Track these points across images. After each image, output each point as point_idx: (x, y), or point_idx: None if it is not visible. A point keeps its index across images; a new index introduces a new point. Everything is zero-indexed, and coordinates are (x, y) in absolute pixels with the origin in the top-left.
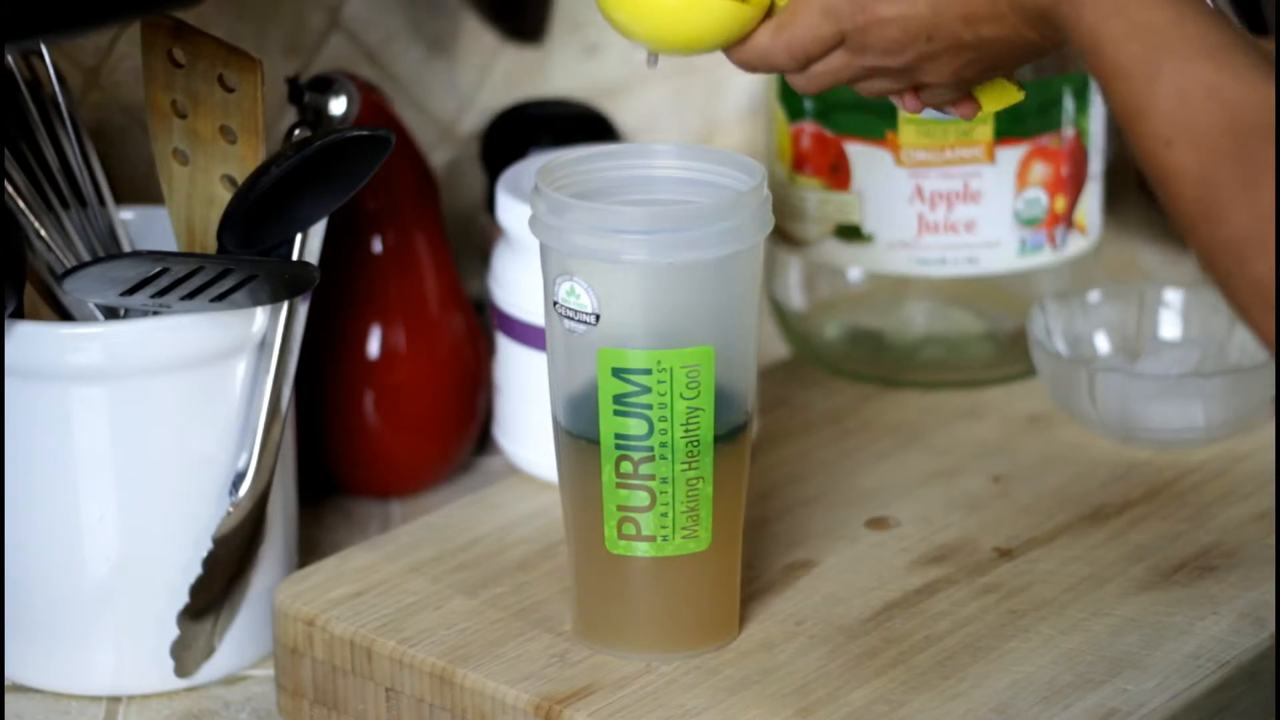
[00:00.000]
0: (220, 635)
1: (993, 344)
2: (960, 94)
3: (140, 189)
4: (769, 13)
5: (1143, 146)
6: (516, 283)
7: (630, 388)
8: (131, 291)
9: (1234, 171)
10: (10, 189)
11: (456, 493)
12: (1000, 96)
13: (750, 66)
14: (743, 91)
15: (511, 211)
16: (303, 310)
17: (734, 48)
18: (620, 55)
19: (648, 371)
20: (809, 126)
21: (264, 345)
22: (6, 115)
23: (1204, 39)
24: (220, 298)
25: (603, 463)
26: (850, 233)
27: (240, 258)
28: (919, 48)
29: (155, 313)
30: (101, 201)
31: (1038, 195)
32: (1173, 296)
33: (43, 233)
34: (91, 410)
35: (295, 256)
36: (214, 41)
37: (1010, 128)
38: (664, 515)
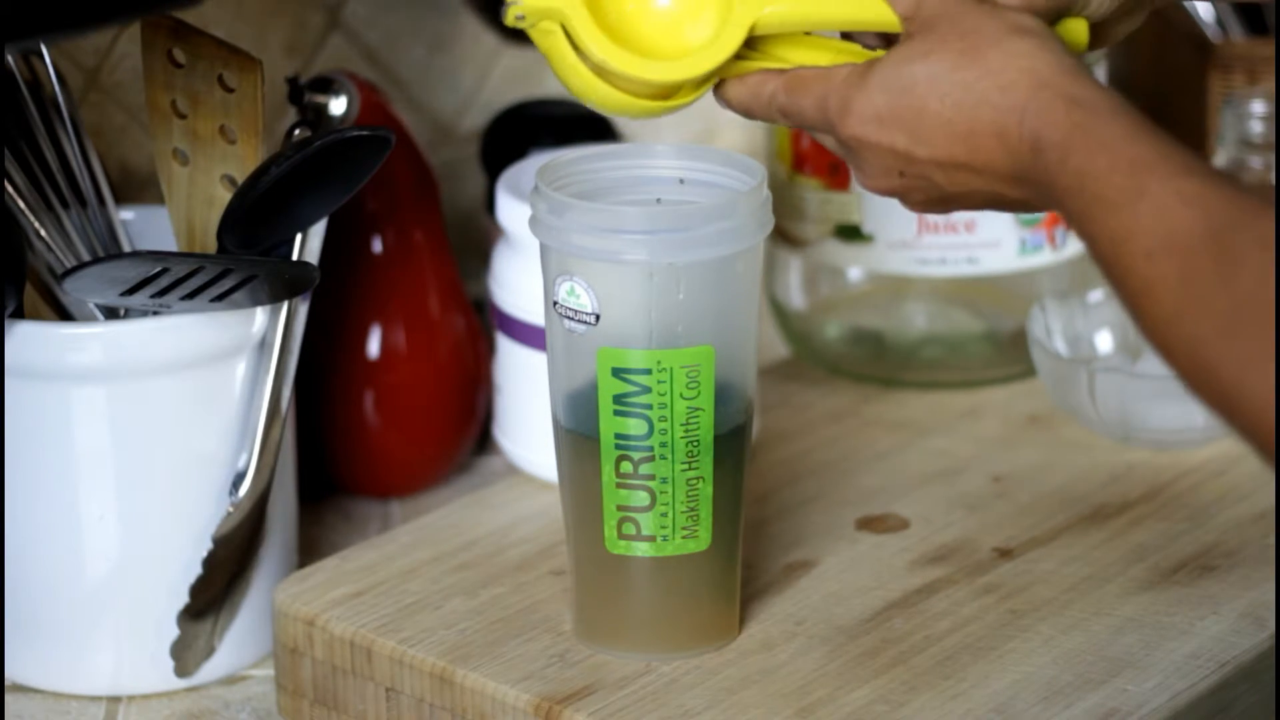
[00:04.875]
0: (220, 635)
1: (993, 344)
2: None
3: (140, 189)
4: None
5: (1121, 267)
6: (516, 283)
7: (630, 388)
8: (131, 291)
9: (1212, 266)
10: (10, 189)
11: (456, 493)
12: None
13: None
14: None
15: (511, 211)
16: (303, 310)
17: (727, 88)
18: None
19: (648, 371)
20: None
21: (264, 345)
22: (6, 115)
23: (1185, 161)
24: (220, 298)
25: (603, 462)
26: (850, 233)
27: (240, 258)
28: (892, 180)
29: (155, 313)
30: (101, 201)
31: None
32: None
33: (43, 233)
34: (91, 410)
35: (295, 256)
36: (214, 41)
37: None
38: (664, 515)
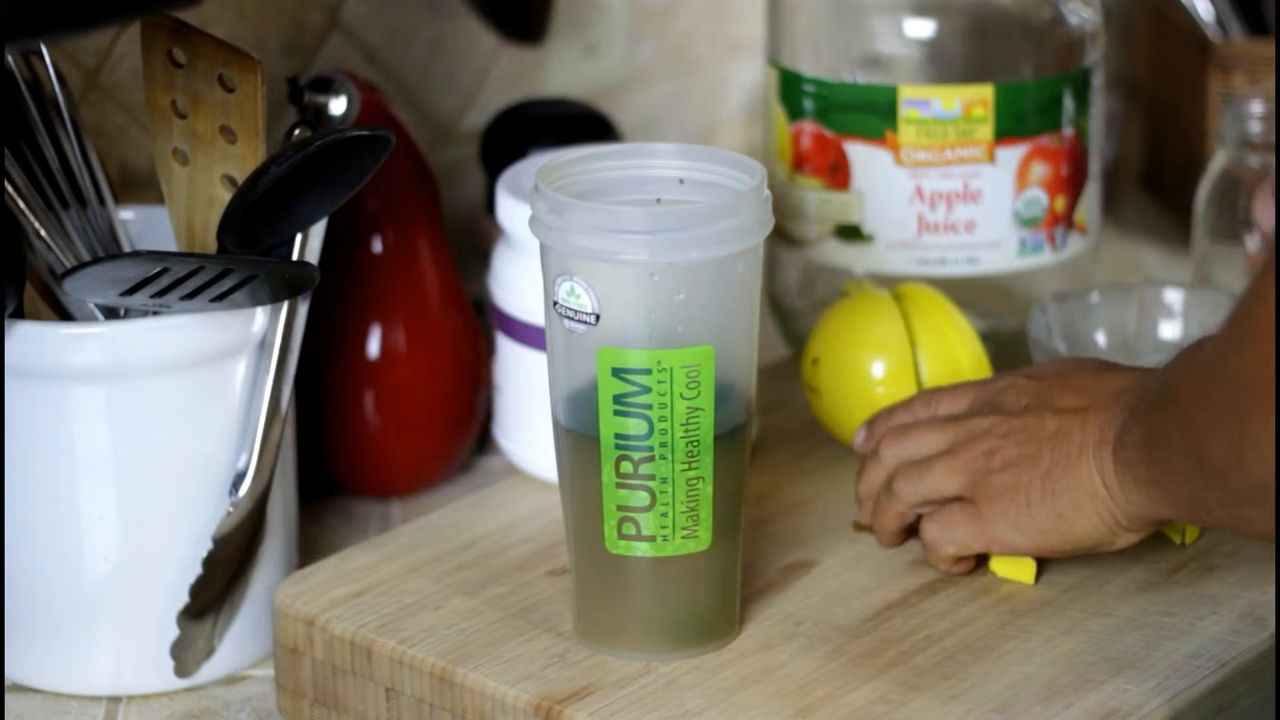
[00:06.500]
0: (220, 635)
1: (993, 344)
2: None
3: (140, 189)
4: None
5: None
6: (516, 283)
7: (630, 388)
8: (131, 291)
9: None
10: (10, 189)
11: (456, 493)
12: (1016, 568)
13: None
14: (743, 91)
15: (511, 211)
16: (303, 310)
17: None
18: (620, 55)
19: (648, 371)
20: (809, 126)
21: (264, 345)
22: (6, 115)
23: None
24: (220, 298)
25: (603, 462)
26: (850, 233)
27: (240, 258)
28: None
29: (155, 313)
30: (101, 201)
31: (1038, 195)
32: (1173, 296)
33: (43, 233)
34: (91, 410)
35: (295, 256)
36: (214, 41)
37: (1010, 128)
38: (664, 515)
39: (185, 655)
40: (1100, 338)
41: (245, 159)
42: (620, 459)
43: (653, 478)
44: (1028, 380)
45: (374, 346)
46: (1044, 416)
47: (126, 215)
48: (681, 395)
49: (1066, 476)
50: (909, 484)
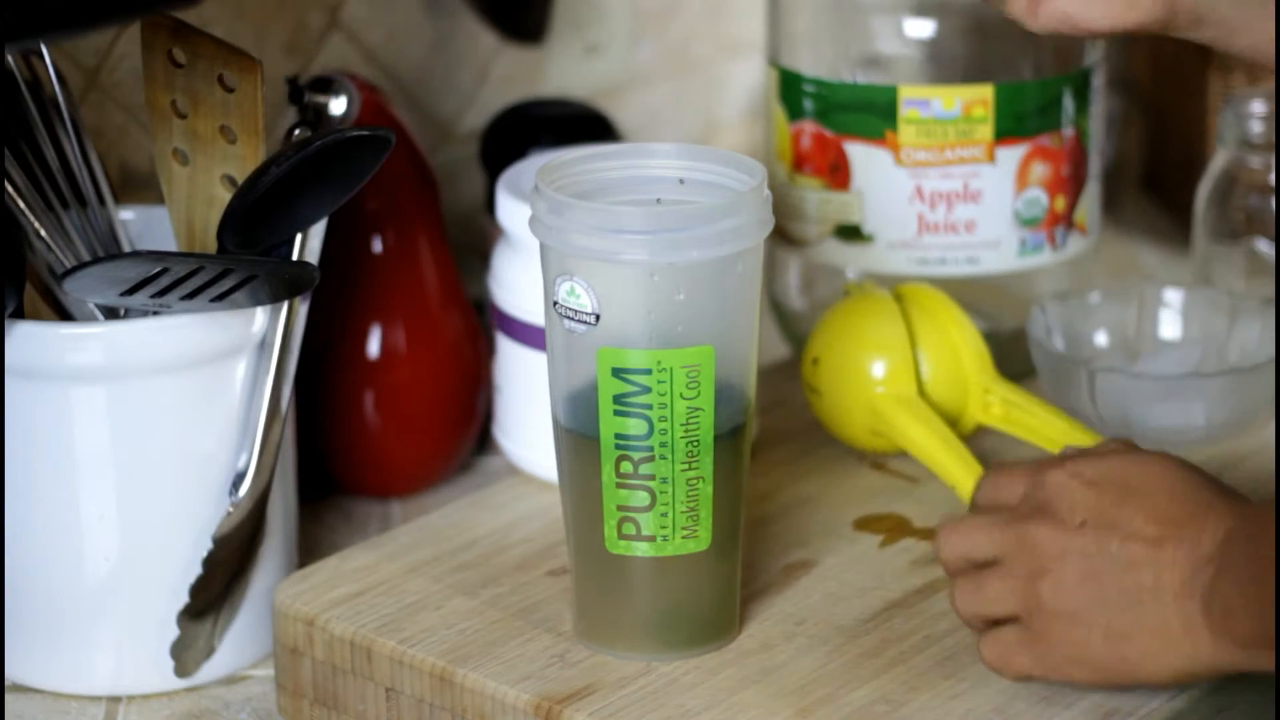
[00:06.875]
0: (220, 635)
1: (993, 344)
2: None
3: (140, 189)
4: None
5: None
6: (516, 283)
7: (630, 388)
8: (131, 291)
9: None
10: (10, 189)
11: (456, 493)
12: None
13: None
14: (743, 91)
15: (511, 211)
16: (303, 310)
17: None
18: (620, 55)
19: (648, 371)
20: (809, 126)
21: (264, 345)
22: (6, 115)
23: None
24: (220, 298)
25: (603, 462)
26: (850, 233)
27: (240, 258)
28: (1065, 537)
29: (155, 313)
30: (101, 201)
31: (1038, 195)
32: (1173, 296)
33: (43, 233)
34: (91, 410)
35: (295, 256)
36: (214, 41)
37: (1010, 128)
38: (664, 515)
39: (185, 655)
40: (1100, 338)
41: (245, 159)
42: (620, 459)
43: (653, 478)
44: (1084, 487)
45: (374, 346)
46: (1106, 539)
47: (126, 215)
48: (681, 395)
49: (1137, 619)
50: (965, 598)
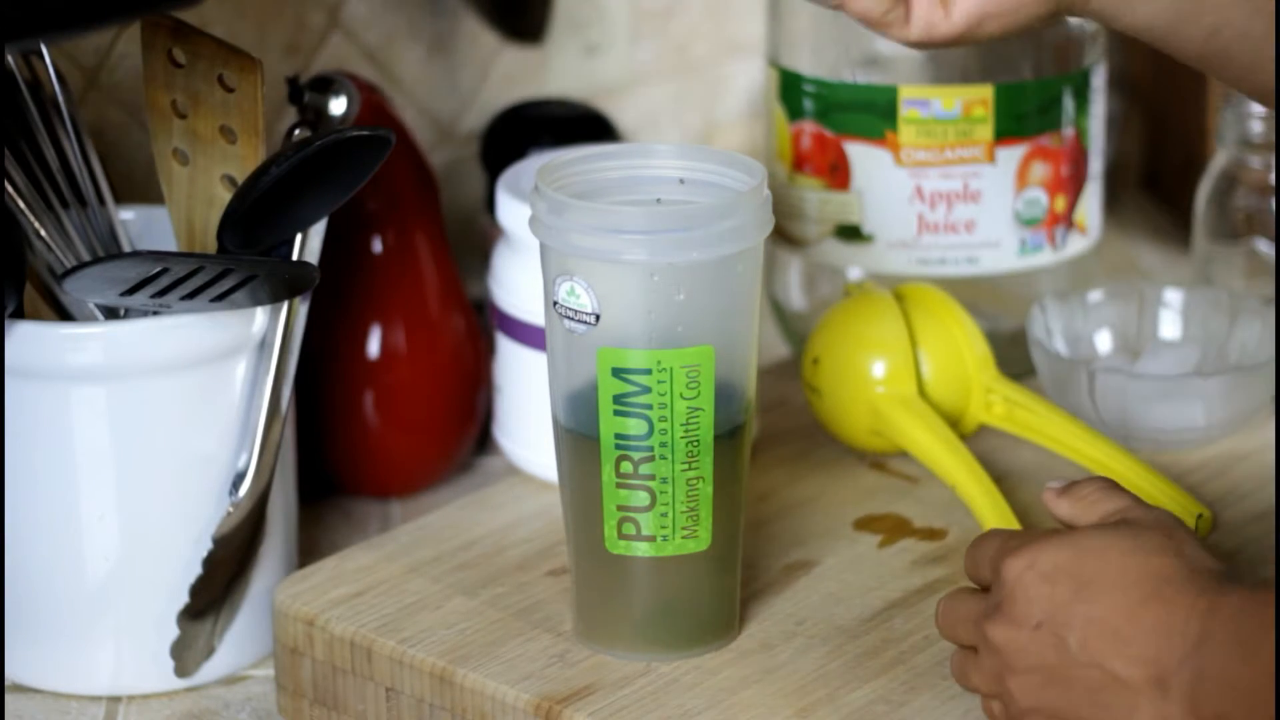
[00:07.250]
0: (220, 635)
1: (993, 344)
2: None
3: (140, 189)
4: None
5: None
6: (516, 283)
7: (630, 388)
8: (131, 291)
9: None
10: (10, 189)
11: (456, 493)
12: None
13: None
14: (743, 91)
15: (511, 211)
16: (303, 310)
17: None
18: (620, 55)
19: (648, 371)
20: (809, 126)
21: (264, 345)
22: (6, 115)
23: None
24: (220, 298)
25: (603, 462)
26: (850, 233)
27: (240, 258)
28: (1023, 635)
29: (155, 313)
30: (101, 201)
31: (1038, 195)
32: (1173, 296)
33: (43, 233)
34: (91, 410)
35: (295, 256)
36: (214, 41)
37: (1010, 128)
38: (664, 515)
39: (185, 655)
40: (1100, 338)
41: (245, 159)
42: (620, 459)
43: (653, 478)
44: (1039, 582)
45: (374, 346)
46: (1063, 638)
47: (126, 215)
48: (681, 395)
49: (1108, 711)
50: (957, 672)
